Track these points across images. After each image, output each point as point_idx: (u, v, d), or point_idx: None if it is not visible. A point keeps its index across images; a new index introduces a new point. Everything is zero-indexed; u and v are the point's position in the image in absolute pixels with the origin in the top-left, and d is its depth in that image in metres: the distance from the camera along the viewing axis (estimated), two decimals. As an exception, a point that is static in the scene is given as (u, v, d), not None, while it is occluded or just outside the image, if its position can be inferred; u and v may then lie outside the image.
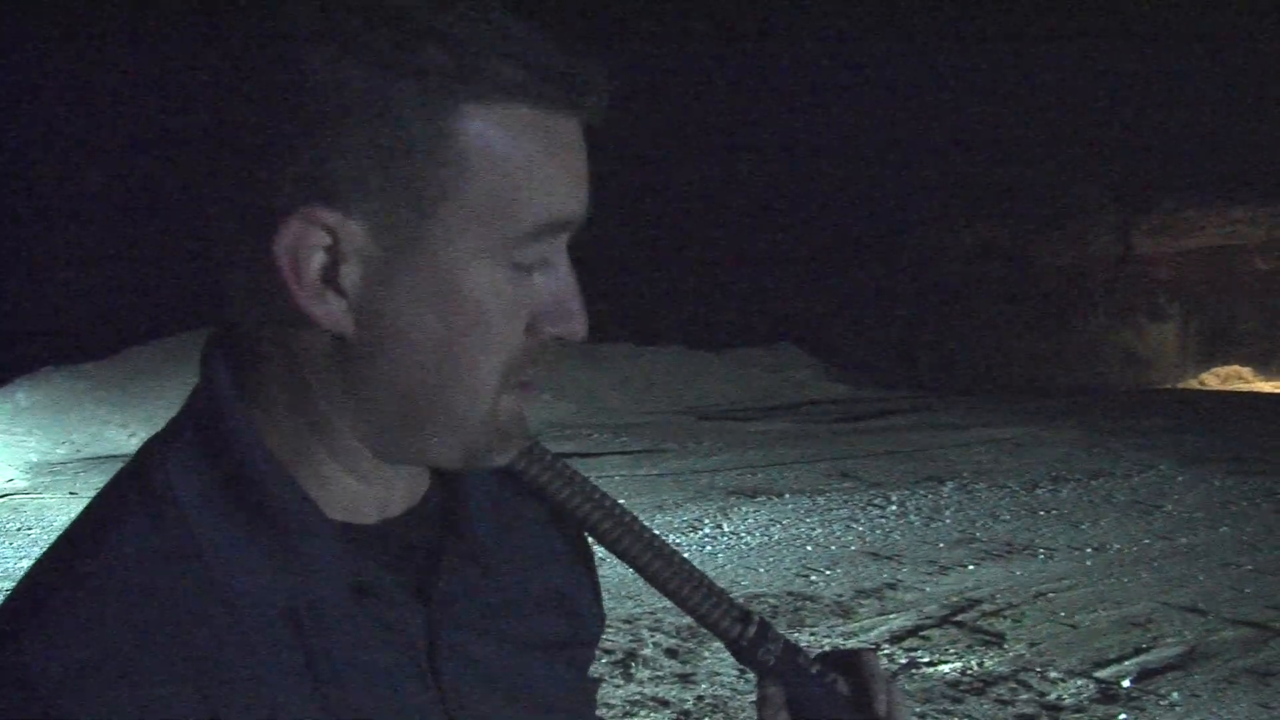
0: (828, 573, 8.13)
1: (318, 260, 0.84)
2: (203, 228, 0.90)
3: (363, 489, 0.95)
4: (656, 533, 1.14)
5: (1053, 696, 5.90)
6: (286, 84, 0.81)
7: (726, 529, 9.51)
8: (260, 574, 0.88)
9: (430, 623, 0.94)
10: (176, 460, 0.90)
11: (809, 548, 8.89)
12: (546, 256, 0.89)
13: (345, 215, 0.83)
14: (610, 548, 1.11)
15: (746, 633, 1.15)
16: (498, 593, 1.02)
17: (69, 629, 0.81)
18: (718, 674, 6.09)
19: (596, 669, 1.11)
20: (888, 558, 8.53)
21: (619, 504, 1.12)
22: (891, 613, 7.17)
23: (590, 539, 1.15)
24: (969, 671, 6.19)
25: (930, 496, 10.84)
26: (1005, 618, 7.03)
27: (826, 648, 6.70)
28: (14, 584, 0.87)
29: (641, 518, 1.13)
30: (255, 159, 0.83)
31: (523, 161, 0.84)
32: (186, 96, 0.88)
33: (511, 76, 0.83)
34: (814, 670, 1.17)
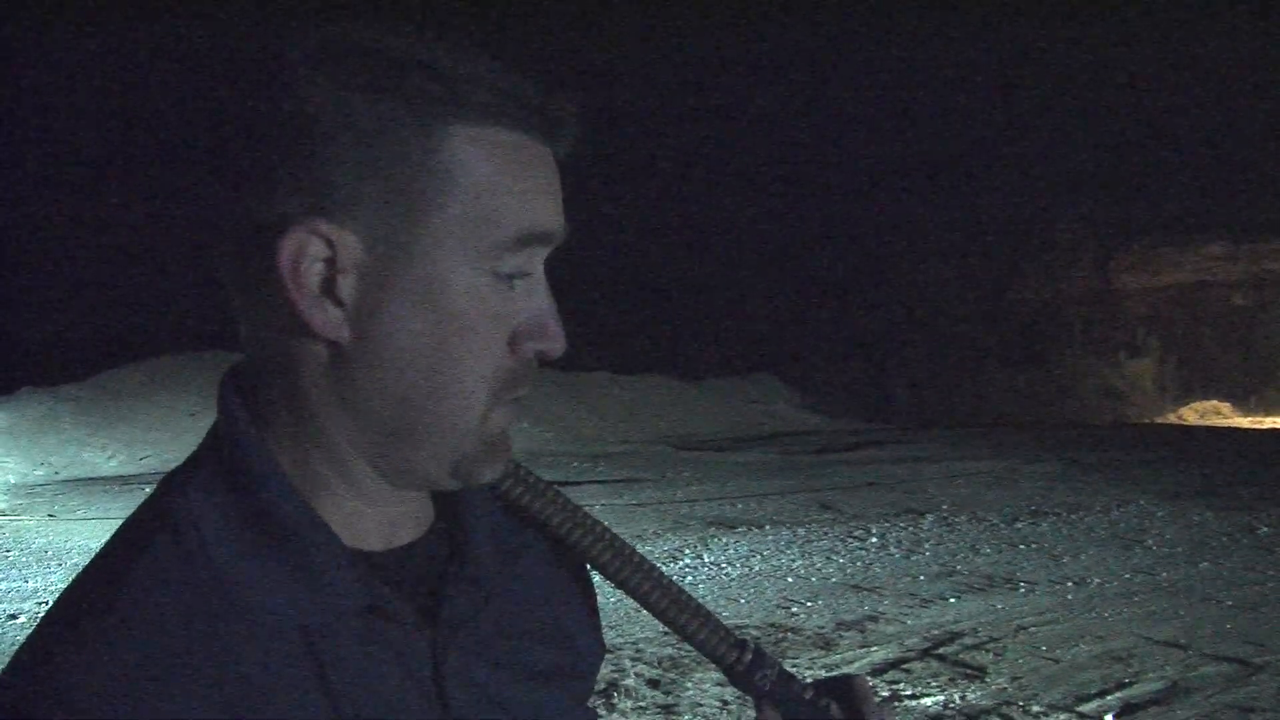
0: (809, 605, 8.09)
1: (317, 270, 0.89)
2: (205, 246, 0.95)
3: (369, 512, 0.98)
4: (652, 562, 1.16)
5: (1035, 731, 5.86)
6: (290, 107, 0.88)
7: (707, 560, 9.48)
8: (277, 594, 0.91)
9: (436, 647, 0.98)
10: (196, 489, 0.94)
11: (790, 579, 8.86)
12: (525, 271, 0.94)
13: (342, 227, 0.88)
14: (608, 576, 1.14)
15: (743, 659, 1.18)
16: (501, 621, 1.05)
17: (101, 649, 0.86)
18: (700, 705, 6.04)
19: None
20: (869, 590, 8.50)
21: (614, 533, 1.15)
22: (873, 645, 7.14)
23: (590, 568, 1.18)
24: (951, 705, 6.15)
25: (910, 529, 10.83)
26: (987, 651, 7.00)
27: (809, 679, 6.64)
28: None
29: (626, 548, 1.13)
30: (259, 177, 0.88)
31: (502, 177, 0.91)
32: (184, 120, 0.95)
33: (492, 102, 0.90)
34: (808, 695, 1.20)
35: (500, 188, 0.91)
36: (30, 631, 0.91)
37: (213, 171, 0.91)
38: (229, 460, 0.95)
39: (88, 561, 0.96)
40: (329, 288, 0.89)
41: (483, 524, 1.05)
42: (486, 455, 0.96)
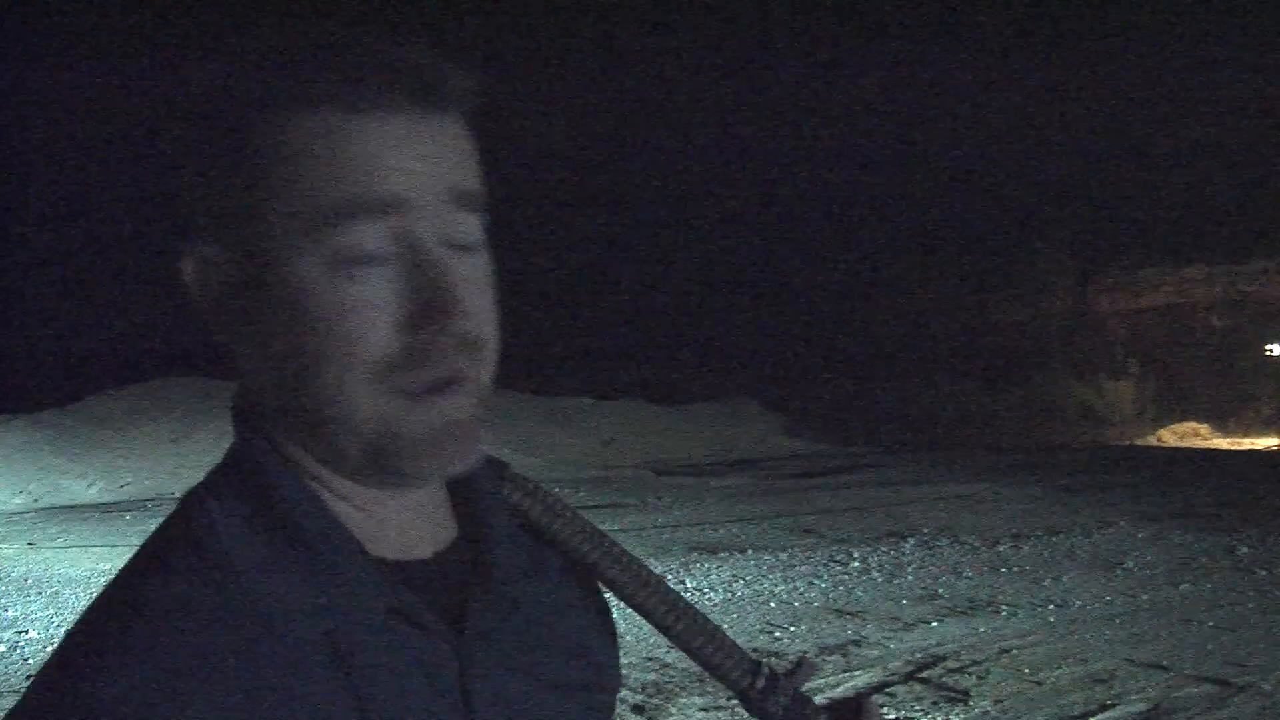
0: (792, 629, 8.09)
1: (207, 288, 0.93)
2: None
3: (376, 520, 0.98)
4: (668, 583, 1.15)
5: (1018, 754, 5.87)
6: (174, 141, 0.92)
7: (689, 585, 9.46)
8: (300, 602, 0.92)
9: (461, 656, 0.97)
10: (217, 501, 0.95)
11: (773, 604, 8.85)
12: (387, 249, 0.90)
13: (215, 243, 0.92)
14: (622, 597, 1.14)
15: (756, 684, 1.17)
16: (524, 633, 1.05)
17: (124, 660, 0.86)
18: (682, 731, 6.03)
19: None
20: (851, 614, 8.49)
21: (631, 554, 1.15)
22: (856, 669, 7.13)
23: (604, 589, 1.17)
24: (934, 729, 6.15)
25: (892, 553, 10.83)
26: (970, 674, 7.00)
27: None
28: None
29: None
30: (169, 209, 0.93)
31: (310, 158, 0.89)
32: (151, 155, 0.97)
33: (299, 85, 0.89)
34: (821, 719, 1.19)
35: (309, 170, 0.88)
36: (56, 645, 0.91)
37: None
38: (247, 473, 0.95)
39: (108, 579, 0.96)
40: (220, 305, 0.93)
41: (504, 538, 1.05)
42: (417, 449, 0.92)
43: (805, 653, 7.50)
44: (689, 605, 1.17)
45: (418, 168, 0.90)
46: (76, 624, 0.92)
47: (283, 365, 0.91)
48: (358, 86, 0.89)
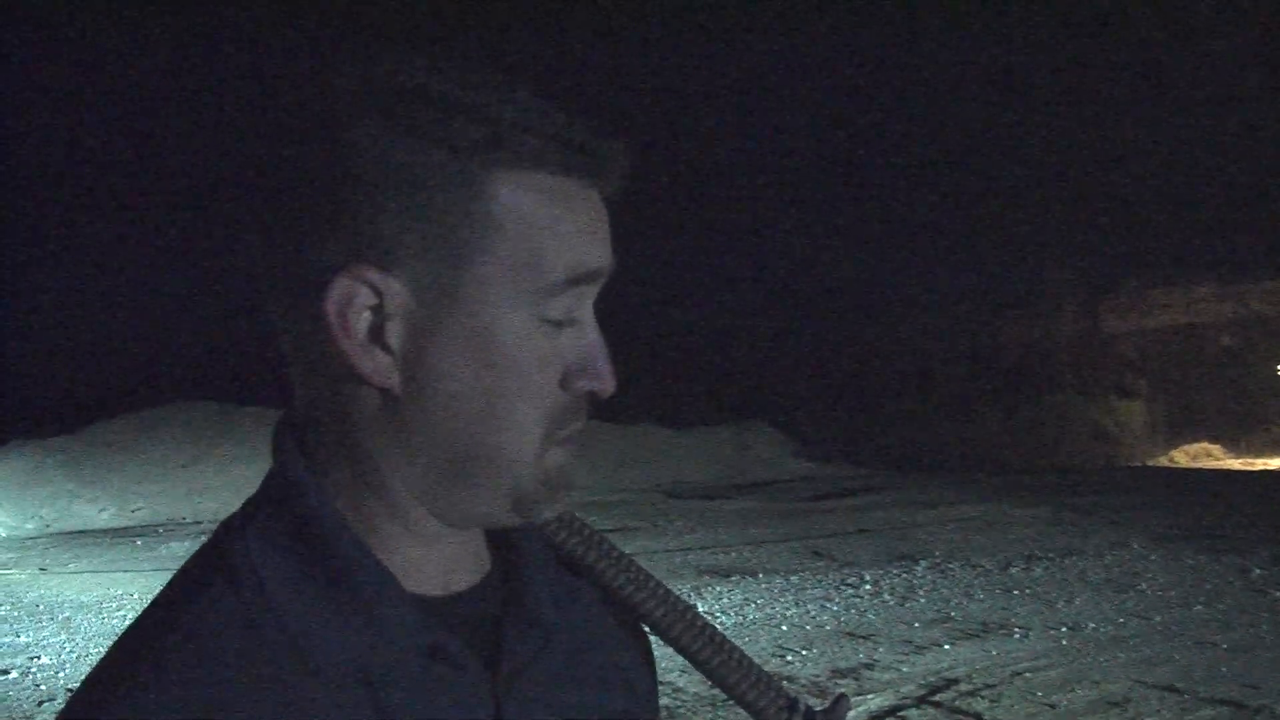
0: (804, 653, 8.07)
1: (364, 317, 0.90)
2: (257, 293, 0.96)
3: (426, 557, 0.98)
4: (704, 616, 1.14)
5: (1032, 778, 5.84)
6: (335, 154, 0.89)
7: (701, 608, 9.44)
8: (337, 637, 0.92)
9: (496, 691, 0.97)
10: (254, 533, 0.95)
11: (784, 627, 8.83)
12: (573, 313, 0.95)
13: (389, 274, 0.89)
14: (658, 632, 1.13)
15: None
16: (560, 666, 1.04)
17: (158, 691, 0.86)
18: (693, 755, 6.01)
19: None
20: (863, 637, 8.47)
21: (667, 587, 1.14)
22: (869, 693, 7.11)
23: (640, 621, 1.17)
24: (947, 752, 6.13)
25: (904, 576, 10.80)
26: (983, 698, 6.97)
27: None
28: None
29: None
30: (304, 225, 0.90)
31: (547, 221, 0.92)
32: (213, 167, 0.93)
33: (536, 147, 0.91)
34: None
35: (544, 233, 0.91)
36: (86, 676, 0.91)
37: (256, 220, 0.93)
38: (287, 505, 0.95)
39: (144, 606, 0.96)
40: (377, 335, 0.90)
41: (539, 569, 1.05)
42: (547, 493, 0.96)
43: (817, 677, 7.48)
44: (724, 638, 1.16)
45: (609, 240, 0.97)
46: (111, 649, 0.92)
47: (456, 404, 0.92)
48: (575, 155, 0.93)
